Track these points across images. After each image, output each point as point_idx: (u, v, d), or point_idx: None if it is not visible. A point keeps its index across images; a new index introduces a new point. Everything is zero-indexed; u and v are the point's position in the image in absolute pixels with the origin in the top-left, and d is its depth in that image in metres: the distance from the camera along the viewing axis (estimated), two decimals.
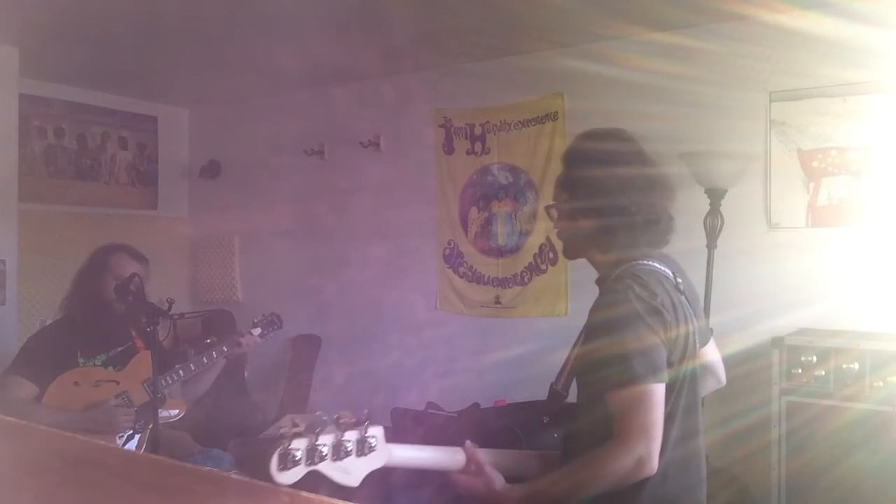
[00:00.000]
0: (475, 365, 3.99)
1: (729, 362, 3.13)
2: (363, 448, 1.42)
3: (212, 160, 5.33)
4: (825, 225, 3.27)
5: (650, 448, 1.44)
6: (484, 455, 1.61)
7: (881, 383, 2.73)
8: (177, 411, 2.86)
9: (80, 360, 2.81)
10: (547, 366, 1.91)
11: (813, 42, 3.20)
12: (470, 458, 1.59)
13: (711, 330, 1.93)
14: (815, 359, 2.86)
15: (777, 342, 2.96)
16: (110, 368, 2.84)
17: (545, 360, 2.09)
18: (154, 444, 2.53)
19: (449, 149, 4.40)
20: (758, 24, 3.38)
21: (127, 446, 2.67)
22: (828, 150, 3.25)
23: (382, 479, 2.13)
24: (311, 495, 0.62)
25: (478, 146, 4.29)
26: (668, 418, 1.55)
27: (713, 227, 3.23)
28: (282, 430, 1.34)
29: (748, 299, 3.29)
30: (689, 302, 1.68)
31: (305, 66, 4.36)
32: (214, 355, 2.89)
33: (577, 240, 1.72)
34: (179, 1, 3.30)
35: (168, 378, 2.79)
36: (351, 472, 1.41)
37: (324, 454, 1.36)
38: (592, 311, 1.59)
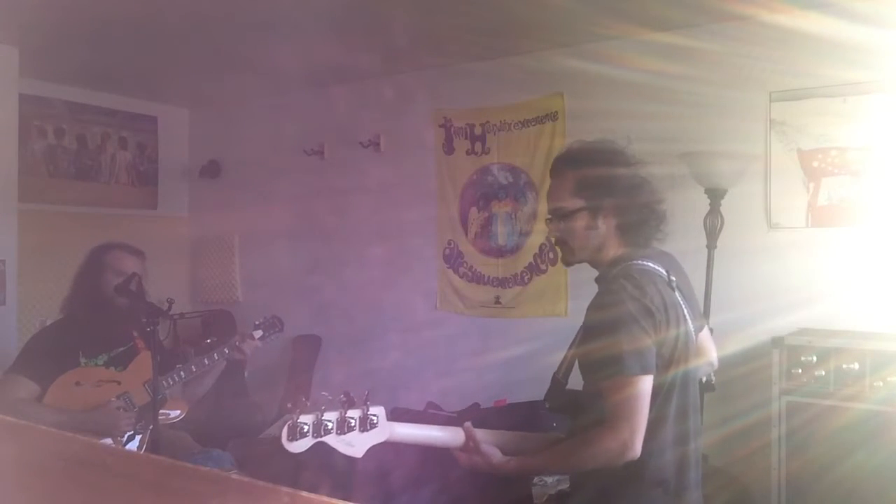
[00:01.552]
0: (475, 365, 3.99)
1: (729, 362, 3.16)
2: (366, 424, 1.55)
3: (212, 160, 5.33)
4: (825, 225, 3.27)
5: (633, 435, 1.56)
6: (482, 434, 1.70)
7: (881, 383, 2.73)
8: (178, 412, 2.86)
9: (82, 360, 2.81)
10: (547, 366, 1.92)
11: (813, 42, 3.20)
12: (468, 437, 1.68)
13: (711, 328, 1.99)
14: (815, 359, 2.86)
15: (777, 342, 2.96)
16: (112, 369, 2.84)
17: (545, 360, 2.09)
18: (154, 445, 2.53)
19: (449, 149, 4.40)
20: (758, 24, 3.38)
21: (128, 447, 2.67)
22: (828, 150, 3.25)
23: (382, 479, 2.14)
24: (312, 495, 0.62)
25: (478, 146, 4.29)
26: (660, 420, 1.64)
27: (713, 227, 3.23)
28: (290, 405, 1.49)
29: (748, 299, 3.29)
30: (684, 298, 1.76)
31: (305, 66, 4.36)
32: (215, 357, 2.89)
33: (593, 244, 1.78)
34: (179, 1, 3.30)
35: (169, 379, 2.79)
36: (355, 444, 1.54)
37: (329, 428, 1.51)
38: (589, 309, 1.70)
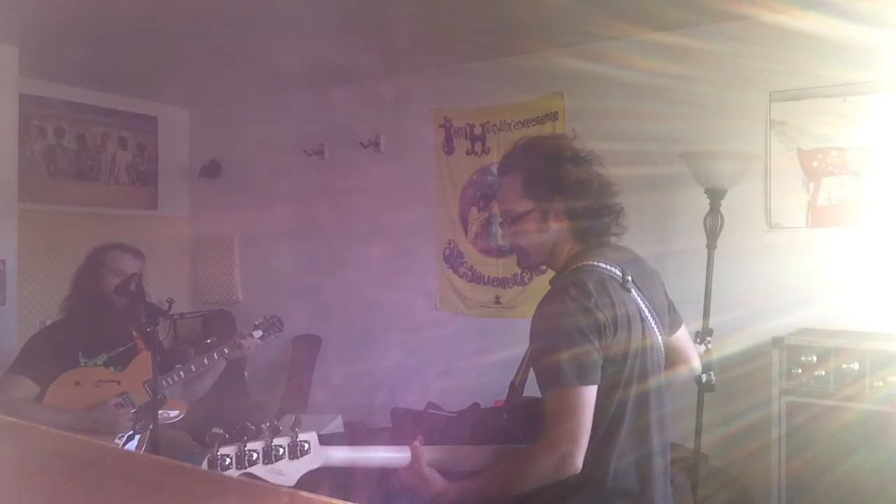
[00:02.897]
0: (475, 365, 3.99)
1: (729, 362, 3.17)
2: (295, 451, 1.48)
3: (212, 160, 5.33)
4: (825, 225, 3.27)
5: (573, 448, 1.48)
6: (432, 452, 1.63)
7: (881, 383, 2.73)
8: (177, 412, 2.86)
9: (82, 360, 2.81)
10: None
11: (813, 42, 3.20)
12: (414, 458, 1.60)
13: (709, 340, 1.91)
14: (815, 359, 2.86)
15: (777, 342, 2.96)
16: (112, 368, 2.84)
17: None
18: (154, 445, 2.53)
19: (449, 149, 4.40)
20: (758, 24, 3.38)
21: (127, 446, 2.67)
22: (828, 150, 3.25)
23: (382, 478, 2.13)
24: (311, 495, 0.62)
25: (478, 146, 4.29)
26: (615, 431, 1.56)
27: (713, 227, 3.23)
28: (208, 438, 1.40)
29: (748, 299, 3.29)
30: (642, 295, 1.66)
31: (305, 66, 4.35)
32: (215, 356, 2.89)
33: (546, 246, 1.71)
34: (179, 1, 3.30)
35: (169, 379, 2.79)
36: (284, 473, 1.47)
37: (254, 458, 1.42)
38: (534, 316, 1.60)
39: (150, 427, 2.59)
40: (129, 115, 5.17)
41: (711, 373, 2.90)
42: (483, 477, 1.60)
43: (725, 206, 3.24)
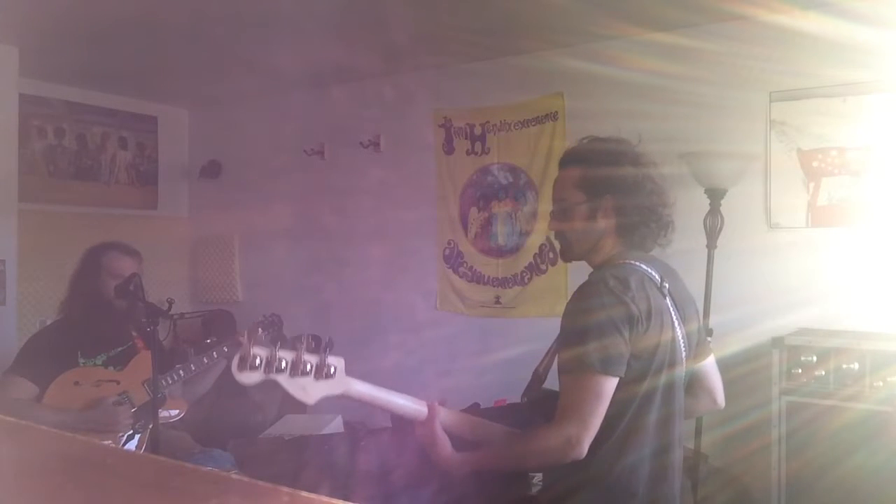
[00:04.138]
0: (475, 365, 3.99)
1: (729, 362, 3.16)
2: (321, 372, 1.48)
3: (212, 160, 5.33)
4: (825, 225, 3.27)
5: (581, 433, 1.48)
6: (449, 416, 1.64)
7: (881, 383, 2.73)
8: (177, 411, 2.86)
9: (81, 360, 2.81)
10: None
11: (813, 42, 3.20)
12: (430, 414, 1.62)
13: (710, 340, 1.91)
14: (815, 359, 2.86)
15: (777, 342, 2.96)
16: (111, 368, 2.84)
17: None
18: (154, 444, 2.53)
19: (449, 149, 4.40)
20: (758, 24, 3.38)
21: (127, 446, 2.67)
22: (828, 150, 3.25)
23: (382, 479, 2.13)
24: (312, 495, 0.62)
25: (478, 146, 4.29)
26: (636, 430, 1.57)
27: (713, 227, 3.23)
28: (241, 338, 1.42)
29: (748, 299, 3.29)
30: (676, 307, 1.69)
31: (305, 66, 4.36)
32: (215, 355, 2.89)
33: (590, 240, 1.74)
34: (179, 1, 3.30)
35: (168, 378, 2.79)
36: (307, 389, 1.48)
37: (282, 367, 1.43)
38: (569, 302, 1.65)
39: (150, 427, 2.59)
40: (129, 115, 5.17)
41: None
42: (488, 450, 1.61)
43: (725, 206, 3.24)
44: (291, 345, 1.45)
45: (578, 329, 1.55)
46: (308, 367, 1.45)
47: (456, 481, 1.63)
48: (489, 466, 1.60)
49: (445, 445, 1.60)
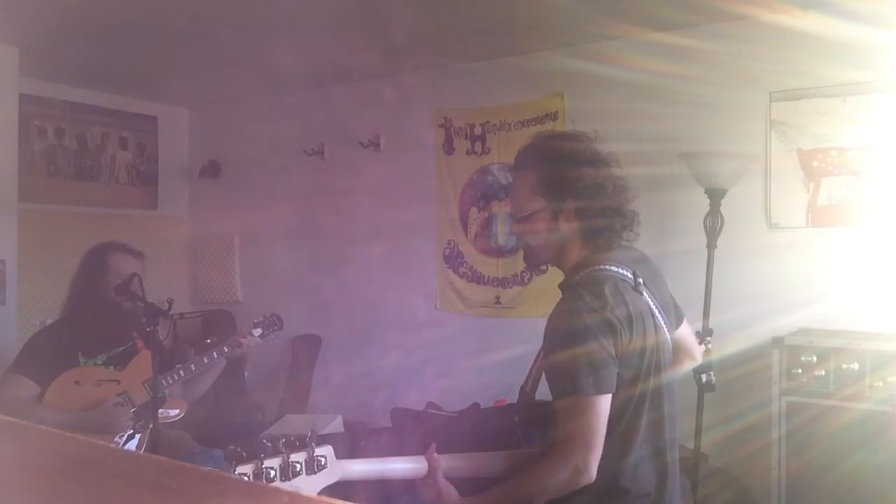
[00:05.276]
0: (475, 365, 3.99)
1: (729, 362, 3.17)
2: (312, 466, 1.46)
3: (212, 160, 5.33)
4: (825, 225, 3.27)
5: (587, 458, 1.46)
6: (448, 461, 1.60)
7: (881, 383, 2.73)
8: (177, 411, 2.86)
9: (82, 360, 2.81)
10: None
11: (813, 42, 3.20)
12: (431, 468, 1.58)
13: (709, 339, 1.91)
14: (815, 359, 2.86)
15: (777, 342, 2.96)
16: (111, 368, 2.84)
17: None
18: (154, 444, 2.53)
19: (449, 149, 4.40)
20: (758, 24, 3.38)
21: (127, 446, 2.67)
22: (828, 150, 3.25)
23: (383, 479, 2.12)
24: (312, 495, 0.62)
25: (478, 146, 4.29)
26: (632, 433, 1.56)
27: (713, 227, 3.23)
28: (226, 456, 1.40)
29: (748, 299, 3.29)
30: (654, 299, 1.66)
31: (305, 66, 4.36)
32: (215, 355, 2.89)
33: (554, 245, 1.70)
34: (179, 1, 3.30)
35: (168, 378, 2.79)
36: (303, 489, 1.43)
37: (272, 476, 1.41)
38: (549, 320, 1.58)
39: (150, 427, 2.59)
40: (129, 115, 5.17)
41: (711, 373, 2.90)
42: (495, 491, 1.57)
43: (725, 206, 3.24)
44: (274, 449, 1.42)
45: (564, 349, 1.51)
46: (297, 466, 1.44)
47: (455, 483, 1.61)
48: None
49: (452, 494, 1.57)
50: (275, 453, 1.42)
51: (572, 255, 1.69)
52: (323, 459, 1.47)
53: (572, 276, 1.67)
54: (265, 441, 1.42)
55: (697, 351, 1.91)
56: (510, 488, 1.55)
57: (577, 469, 1.45)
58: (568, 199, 1.64)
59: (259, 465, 1.40)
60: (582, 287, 1.57)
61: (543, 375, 1.67)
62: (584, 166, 1.65)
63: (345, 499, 0.61)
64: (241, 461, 1.39)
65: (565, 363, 1.50)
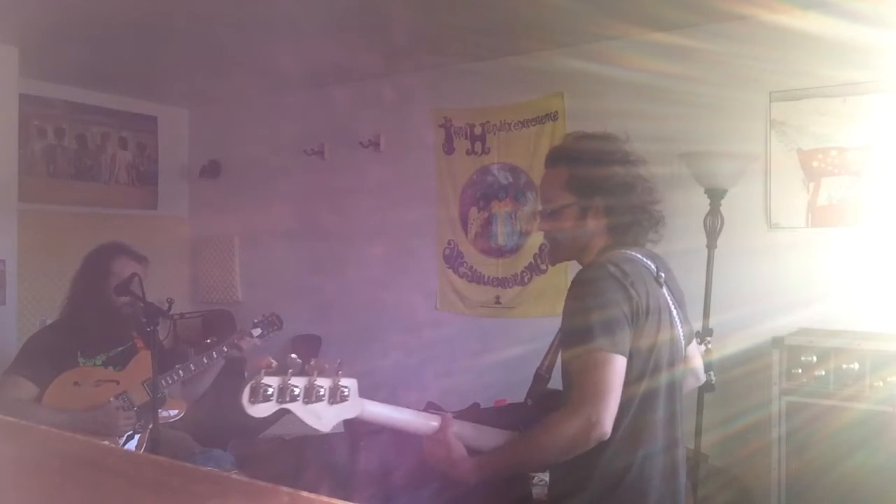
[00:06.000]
0: (475, 365, 3.99)
1: (729, 362, 3.17)
2: (335, 396, 1.43)
3: (212, 160, 5.33)
4: (825, 225, 3.26)
5: (600, 410, 1.44)
6: (461, 427, 1.60)
7: (881, 383, 2.73)
8: (177, 411, 2.86)
9: (81, 360, 2.81)
10: None
11: (813, 42, 3.20)
12: (442, 426, 1.58)
13: (709, 339, 1.92)
14: (815, 359, 2.86)
15: (777, 342, 2.95)
16: (110, 368, 2.84)
17: None
18: (154, 444, 2.53)
19: (449, 149, 4.40)
20: (758, 24, 3.38)
21: (127, 446, 2.67)
22: (828, 150, 3.25)
23: (383, 479, 2.13)
24: (312, 495, 0.62)
25: (478, 146, 4.29)
26: (648, 426, 1.56)
27: (713, 227, 3.23)
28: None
29: (748, 299, 3.29)
30: (673, 297, 1.69)
31: (305, 66, 4.36)
32: (214, 355, 2.89)
33: (581, 241, 1.71)
34: (179, 1, 3.30)
35: (168, 378, 2.79)
36: (322, 416, 1.42)
37: (295, 394, 1.38)
38: (570, 287, 1.62)
39: (150, 427, 2.59)
40: (129, 115, 5.17)
41: (711, 373, 2.90)
42: (503, 449, 1.56)
43: (725, 206, 3.23)
44: (302, 370, 1.40)
45: (582, 313, 1.52)
46: (321, 391, 1.41)
47: (460, 483, 1.61)
48: (508, 465, 1.55)
49: (460, 450, 1.56)
50: (301, 372, 1.40)
51: (594, 251, 1.71)
52: (346, 391, 1.44)
53: (596, 259, 1.68)
54: (295, 357, 1.40)
55: (702, 372, 1.91)
56: (521, 445, 1.55)
57: (589, 421, 1.43)
58: (597, 197, 1.67)
59: (285, 379, 1.37)
60: (607, 261, 1.59)
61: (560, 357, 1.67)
62: (615, 165, 1.68)
63: (345, 498, 0.61)
64: (270, 372, 1.37)
65: (583, 322, 1.50)
